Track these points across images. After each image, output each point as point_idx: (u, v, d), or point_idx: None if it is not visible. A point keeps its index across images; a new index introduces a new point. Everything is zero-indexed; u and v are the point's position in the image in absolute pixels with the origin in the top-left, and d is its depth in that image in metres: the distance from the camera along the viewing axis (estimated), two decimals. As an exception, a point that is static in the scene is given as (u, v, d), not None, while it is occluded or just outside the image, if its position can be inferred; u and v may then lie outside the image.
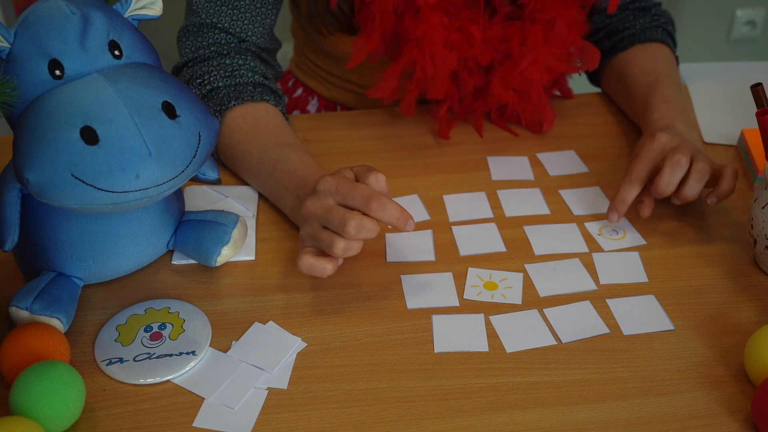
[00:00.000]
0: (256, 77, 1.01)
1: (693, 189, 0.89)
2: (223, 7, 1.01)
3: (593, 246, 0.91)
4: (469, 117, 1.10)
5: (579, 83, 1.21)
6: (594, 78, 1.19)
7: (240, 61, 1.01)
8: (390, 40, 1.02)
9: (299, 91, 1.28)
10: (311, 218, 0.80)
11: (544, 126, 1.08)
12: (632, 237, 0.92)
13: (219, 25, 1.02)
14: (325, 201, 0.79)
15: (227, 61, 1.01)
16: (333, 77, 1.22)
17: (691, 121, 1.00)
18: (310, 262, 0.79)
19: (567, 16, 1.02)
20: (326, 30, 1.08)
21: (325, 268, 0.79)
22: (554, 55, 1.03)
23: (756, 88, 0.86)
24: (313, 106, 1.27)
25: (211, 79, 1.00)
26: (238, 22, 1.02)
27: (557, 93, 1.15)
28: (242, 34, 1.02)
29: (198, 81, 1.00)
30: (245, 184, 0.99)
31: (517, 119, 1.10)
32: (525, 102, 1.06)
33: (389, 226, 0.80)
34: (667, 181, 0.88)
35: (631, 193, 0.91)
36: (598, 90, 1.19)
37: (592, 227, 0.94)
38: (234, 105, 0.98)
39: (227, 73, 1.00)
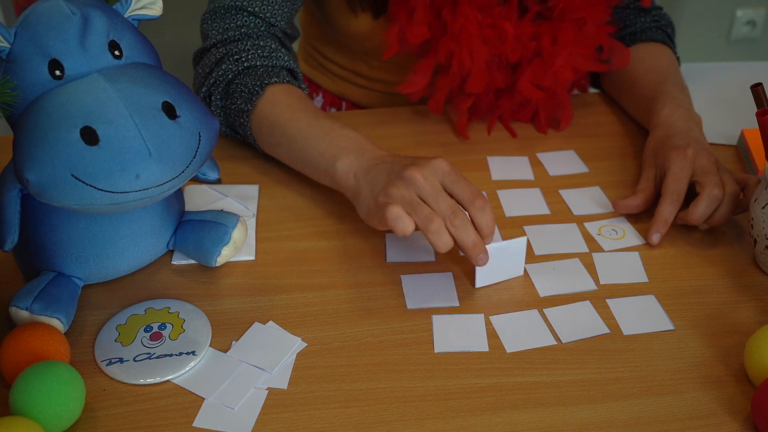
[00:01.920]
0: (291, 62, 1.01)
1: (725, 215, 0.90)
2: None
3: (593, 246, 0.91)
4: (487, 115, 1.10)
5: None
6: (594, 78, 1.19)
7: (274, 45, 1.01)
8: (428, 31, 1.02)
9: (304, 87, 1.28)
10: (412, 184, 0.80)
11: (561, 124, 1.09)
12: (632, 237, 0.92)
13: (249, 9, 1.01)
14: (434, 178, 0.81)
15: (261, 43, 1.00)
16: (343, 70, 1.22)
17: (698, 122, 1.00)
18: (399, 212, 0.79)
19: (595, 16, 1.03)
20: (360, 8, 1.08)
21: (409, 225, 0.79)
22: (582, 55, 1.04)
23: (756, 88, 0.86)
24: (318, 102, 1.27)
25: (249, 57, 0.99)
26: (268, 7, 1.02)
27: (576, 92, 1.16)
28: (272, 19, 1.02)
29: (234, 57, 0.99)
30: (245, 183, 0.99)
31: (531, 117, 1.10)
32: (548, 100, 1.07)
33: (477, 262, 0.81)
34: (703, 214, 0.89)
35: (674, 213, 0.90)
36: (598, 90, 1.19)
37: (591, 227, 0.94)
38: (276, 82, 0.97)
39: (265, 54, 0.99)
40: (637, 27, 1.13)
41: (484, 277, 0.85)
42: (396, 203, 0.80)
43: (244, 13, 1.01)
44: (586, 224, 0.94)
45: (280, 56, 1.00)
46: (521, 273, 0.87)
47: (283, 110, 0.95)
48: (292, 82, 0.99)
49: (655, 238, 0.90)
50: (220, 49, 1.00)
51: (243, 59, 0.99)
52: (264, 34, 1.02)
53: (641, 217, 0.95)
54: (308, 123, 0.93)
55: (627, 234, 0.93)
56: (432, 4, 1.00)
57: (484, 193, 0.95)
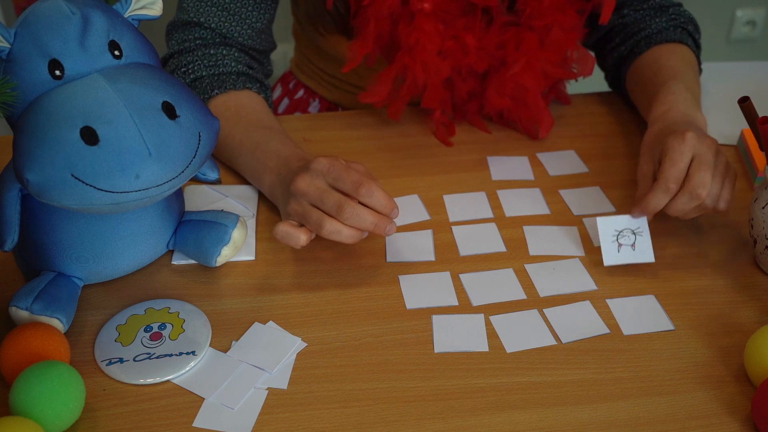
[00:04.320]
0: (239, 67, 1.02)
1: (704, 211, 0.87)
2: (212, 9, 1.03)
3: (593, 248, 0.91)
4: (465, 119, 1.10)
5: (581, 82, 1.20)
6: (619, 87, 1.15)
7: (224, 52, 1.03)
8: (386, 43, 1.02)
9: (300, 93, 1.28)
10: (301, 196, 0.82)
11: (540, 132, 1.07)
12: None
13: (206, 25, 1.03)
14: (317, 181, 0.82)
15: (212, 51, 1.02)
16: (334, 79, 1.22)
17: (700, 120, 0.95)
18: (285, 230, 0.82)
19: (563, 22, 1.01)
20: (324, 30, 1.08)
21: (299, 238, 0.81)
22: (550, 62, 1.02)
23: (744, 103, 0.85)
24: (314, 107, 1.27)
25: (195, 68, 1.01)
26: (226, 24, 1.03)
27: (554, 99, 1.14)
28: (228, 34, 1.04)
29: (183, 70, 1.02)
30: (245, 183, 0.99)
31: (516, 123, 1.09)
32: (521, 108, 1.05)
33: (386, 234, 0.81)
34: (681, 210, 0.85)
35: (663, 202, 0.85)
36: (597, 90, 1.19)
37: (590, 224, 0.93)
38: (217, 93, 0.99)
39: (211, 63, 1.01)
40: (652, 29, 1.08)
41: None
42: (284, 222, 0.82)
43: (201, 28, 1.03)
44: (586, 223, 0.94)
45: (227, 63, 1.02)
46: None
47: (222, 125, 0.96)
48: (237, 85, 1.00)
49: (636, 214, 0.87)
50: (174, 61, 1.03)
51: (190, 71, 1.01)
52: (219, 43, 1.03)
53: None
54: (240, 140, 0.96)
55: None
56: (391, 18, 1.00)
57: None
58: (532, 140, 1.08)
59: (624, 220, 0.87)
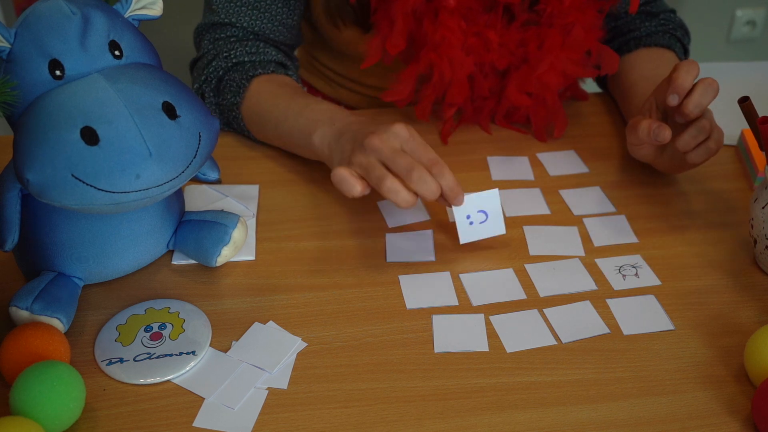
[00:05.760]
0: (279, 56, 1.05)
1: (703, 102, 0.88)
2: (242, 8, 1.04)
3: (592, 247, 0.91)
4: (476, 119, 1.09)
5: (585, 83, 1.20)
6: (601, 81, 1.18)
7: (261, 45, 1.05)
8: (406, 42, 1.02)
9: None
10: (371, 151, 0.83)
11: (555, 132, 1.07)
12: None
13: (238, 25, 1.05)
14: (393, 142, 0.83)
15: (250, 44, 1.04)
16: (340, 77, 1.22)
17: None
18: (343, 175, 0.82)
19: (584, 21, 1.01)
20: (342, 23, 1.08)
21: (355, 186, 0.82)
22: (571, 60, 1.02)
23: (744, 103, 0.85)
24: None
25: (237, 54, 1.03)
26: (257, 22, 1.05)
27: (570, 97, 1.14)
28: (259, 31, 1.05)
29: (224, 55, 1.03)
30: (245, 183, 0.99)
31: (525, 122, 1.09)
32: (539, 106, 1.06)
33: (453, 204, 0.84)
34: (697, 102, 0.86)
35: (690, 79, 0.87)
36: (598, 90, 1.19)
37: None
38: (261, 73, 1.02)
39: (252, 50, 1.04)
40: (641, 32, 1.10)
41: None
42: (344, 167, 0.83)
43: (234, 27, 1.05)
44: (586, 223, 0.94)
45: (267, 52, 1.04)
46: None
47: (266, 98, 0.99)
48: (278, 71, 1.03)
49: (673, 99, 0.87)
50: (212, 49, 1.05)
51: (231, 56, 1.03)
52: (252, 39, 1.06)
53: (656, 248, 0.94)
54: (287, 105, 0.98)
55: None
56: (414, 14, 1.00)
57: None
58: (533, 140, 1.08)
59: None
